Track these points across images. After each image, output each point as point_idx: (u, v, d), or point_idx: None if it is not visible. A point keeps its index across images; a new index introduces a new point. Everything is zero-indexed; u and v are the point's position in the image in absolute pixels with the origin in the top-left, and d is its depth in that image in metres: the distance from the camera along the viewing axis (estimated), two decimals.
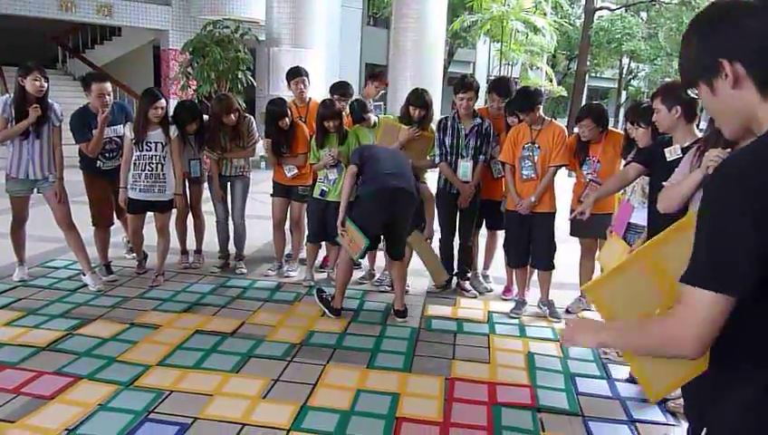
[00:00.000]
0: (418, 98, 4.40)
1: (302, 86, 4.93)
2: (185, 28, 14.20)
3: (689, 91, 1.20)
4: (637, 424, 2.79)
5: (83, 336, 3.47)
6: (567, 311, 4.21)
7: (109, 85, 4.32)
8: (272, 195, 4.82)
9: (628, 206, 3.46)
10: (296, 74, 4.95)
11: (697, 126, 2.98)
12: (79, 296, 4.13)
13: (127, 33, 15.59)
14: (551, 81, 19.86)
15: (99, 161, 4.35)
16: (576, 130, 4.06)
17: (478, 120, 4.34)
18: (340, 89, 4.82)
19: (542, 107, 4.09)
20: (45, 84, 4.07)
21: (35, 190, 4.26)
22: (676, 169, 2.70)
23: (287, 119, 4.49)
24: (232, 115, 4.52)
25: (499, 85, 4.61)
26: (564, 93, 20.76)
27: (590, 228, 3.89)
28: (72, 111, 4.33)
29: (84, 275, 4.34)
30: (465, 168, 4.30)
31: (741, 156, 1.06)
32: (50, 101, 4.15)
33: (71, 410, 2.69)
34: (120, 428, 2.56)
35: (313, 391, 2.97)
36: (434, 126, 4.47)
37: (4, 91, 9.59)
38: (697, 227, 1.06)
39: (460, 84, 4.31)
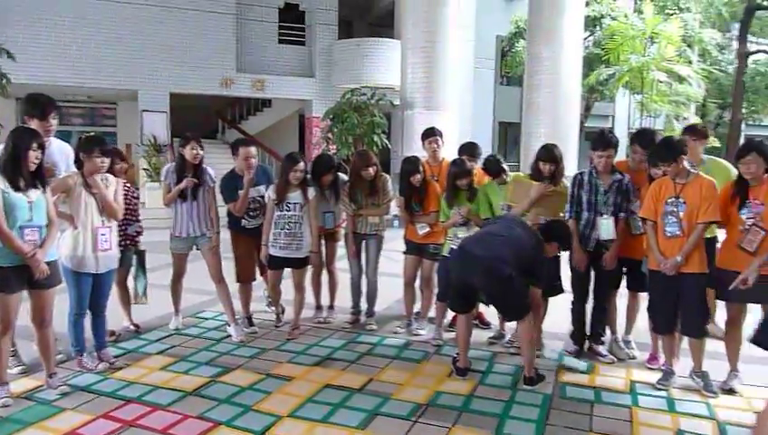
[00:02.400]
0: (548, 152, 4.31)
1: (436, 145, 5.06)
2: (327, 97, 15.32)
3: None
4: None
5: (225, 384, 3.71)
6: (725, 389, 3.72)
7: (253, 149, 4.75)
8: (404, 252, 4.90)
9: None
10: (430, 134, 5.10)
11: None
12: (223, 346, 4.44)
13: (276, 103, 17.12)
14: None
15: (244, 220, 4.75)
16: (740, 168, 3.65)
17: (618, 176, 4.14)
18: (469, 149, 4.85)
19: (686, 159, 3.80)
20: (201, 152, 4.56)
21: (195, 247, 4.71)
22: None
23: (419, 175, 4.60)
24: (370, 169, 4.72)
25: (642, 136, 4.38)
26: (717, 144, 19.13)
27: (743, 292, 3.47)
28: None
29: (229, 326, 4.68)
30: (606, 225, 4.08)
31: None
32: (204, 166, 4.64)
33: None
34: None
35: None
36: (566, 181, 4.32)
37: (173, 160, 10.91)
38: None
39: (599, 141, 4.16)
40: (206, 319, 5.13)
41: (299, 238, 4.58)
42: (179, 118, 14.66)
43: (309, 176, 4.74)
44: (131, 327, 4.69)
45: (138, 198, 4.80)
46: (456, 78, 12.07)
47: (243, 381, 3.76)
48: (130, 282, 4.78)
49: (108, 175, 3.91)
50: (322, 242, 5.00)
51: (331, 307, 5.20)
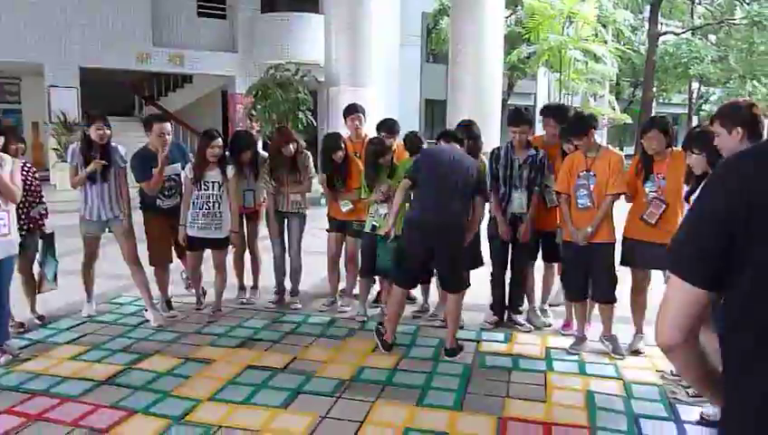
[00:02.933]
0: (464, 129, 4.36)
1: (358, 122, 5.02)
2: (250, 73, 14.88)
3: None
4: None
5: (141, 371, 3.57)
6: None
7: (168, 125, 4.53)
8: (327, 230, 4.87)
9: None
10: (352, 111, 5.06)
11: None
12: (140, 332, 4.27)
13: (198, 80, 16.48)
14: (613, 109, 19.34)
15: (158, 200, 4.54)
16: (643, 143, 3.84)
17: (533, 151, 4.26)
18: (388, 126, 4.86)
19: (596, 133, 3.96)
20: (108, 132, 4.30)
21: (107, 230, 4.48)
22: None
23: (340, 152, 4.56)
24: (290, 145, 4.64)
25: (554, 111, 4.53)
26: (629, 121, 20.16)
27: (644, 260, 3.69)
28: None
29: (146, 310, 4.50)
30: (519, 199, 4.20)
31: (743, 153, 1.09)
32: (114, 144, 4.40)
33: None
34: None
35: (361, 428, 2.91)
36: (484, 157, 4.40)
37: None
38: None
39: (514, 118, 4.26)
40: (122, 304, 4.92)
41: (218, 218, 4.44)
42: (92, 94, 13.82)
43: (227, 153, 4.60)
44: (36, 320, 4.41)
45: (38, 179, 4.47)
46: (381, 55, 12.01)
47: (160, 366, 3.63)
48: (36, 268, 4.48)
49: (2, 155, 3.63)
50: (243, 222, 4.89)
51: (254, 287, 5.10)
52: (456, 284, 3.90)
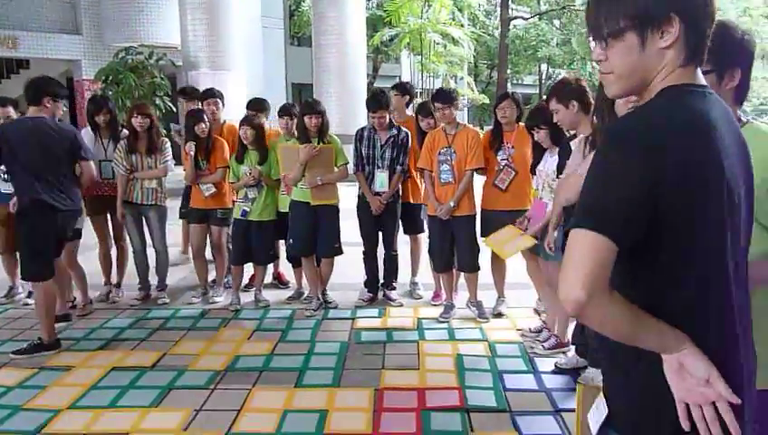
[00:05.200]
0: (311, 107, 4.28)
1: (214, 107, 4.83)
2: (99, 57, 13.74)
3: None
4: (562, 413, 2.83)
5: None
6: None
7: (11, 109, 4.38)
8: (188, 222, 4.67)
9: (541, 203, 3.56)
10: (208, 95, 4.88)
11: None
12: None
13: (36, 64, 14.90)
14: (472, 90, 20.38)
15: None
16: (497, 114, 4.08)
17: (394, 131, 4.37)
18: (256, 104, 4.76)
19: (457, 112, 4.18)
20: None
21: None
22: (568, 162, 2.78)
23: (203, 124, 4.40)
24: (141, 118, 4.38)
25: (398, 86, 4.88)
26: (487, 101, 21.36)
27: (501, 228, 3.96)
28: None
29: None
30: (381, 178, 4.31)
31: (634, 119, 1.09)
32: None
33: None
34: None
35: (238, 417, 2.86)
36: (335, 136, 4.42)
37: None
38: (584, 185, 1.07)
39: (371, 104, 4.35)
40: None
41: None
42: None
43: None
44: None
45: None
46: (241, 36, 11.63)
47: (9, 380, 3.29)
48: None
49: None
50: (108, 217, 4.60)
51: (117, 285, 4.78)
52: (474, 262, 4.17)
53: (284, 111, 4.48)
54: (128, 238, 4.68)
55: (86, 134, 4.55)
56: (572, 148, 3.11)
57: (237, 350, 3.68)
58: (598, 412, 1.18)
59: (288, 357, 3.57)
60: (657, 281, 1.06)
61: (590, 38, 1.14)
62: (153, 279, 4.74)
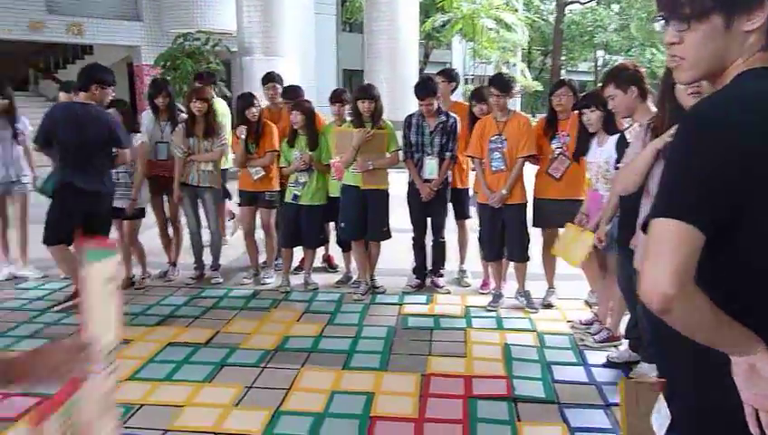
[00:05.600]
0: (364, 90, 4.33)
1: (273, 91, 4.93)
2: (158, 43, 14.14)
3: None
4: (612, 408, 2.78)
5: None
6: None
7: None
8: (239, 204, 4.79)
9: (596, 194, 3.47)
10: (269, 80, 4.97)
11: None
12: (48, 316, 4.05)
13: (99, 50, 15.48)
14: (525, 77, 19.99)
15: None
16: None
17: (443, 118, 4.34)
18: (291, 93, 4.84)
19: (510, 99, 4.11)
20: (3, 101, 4.56)
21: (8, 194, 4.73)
22: (627, 150, 2.70)
23: (254, 109, 4.48)
24: (199, 103, 4.50)
25: (443, 73, 4.84)
26: (540, 88, 20.91)
27: (553, 218, 3.89)
28: None
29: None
30: (431, 165, 4.29)
31: (715, 103, 1.02)
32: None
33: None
34: None
35: (287, 395, 2.93)
36: (389, 121, 4.43)
37: None
38: (665, 173, 1.01)
39: (421, 90, 4.31)
40: (28, 289, 4.64)
41: (128, 188, 4.42)
42: None
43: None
44: None
45: None
46: (294, 23, 11.75)
47: None
48: None
49: None
50: (165, 198, 4.77)
51: (173, 264, 4.95)
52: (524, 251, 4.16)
53: (336, 98, 4.51)
54: (183, 219, 4.84)
55: (146, 116, 4.72)
56: (628, 138, 3.02)
57: (287, 330, 3.76)
58: (660, 416, 1.14)
59: (336, 339, 3.63)
60: (732, 275, 1.01)
61: (662, 19, 1.07)
62: (207, 259, 4.89)
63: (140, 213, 4.54)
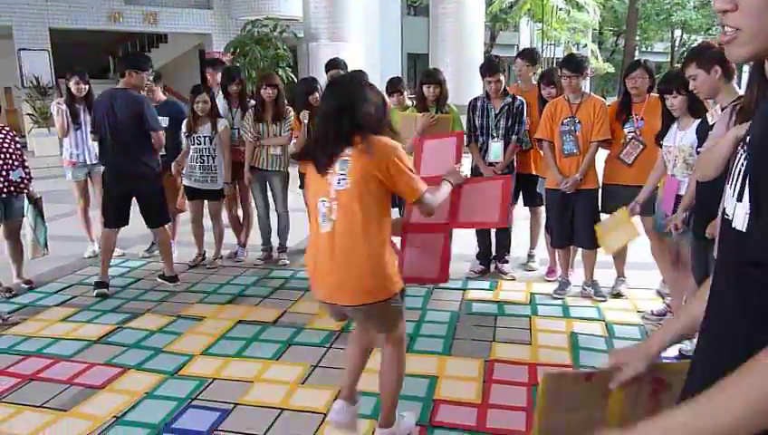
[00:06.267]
0: (430, 75, 4.31)
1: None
2: (227, 30, 14.51)
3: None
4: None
5: (132, 329, 3.61)
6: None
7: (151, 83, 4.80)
8: (299, 187, 4.85)
9: (673, 181, 3.30)
10: (333, 66, 5.01)
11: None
12: (129, 292, 4.29)
13: (173, 39, 16.05)
14: (596, 58, 19.25)
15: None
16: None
17: (509, 99, 4.25)
18: (334, 65, 4.90)
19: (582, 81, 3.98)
20: (85, 86, 4.95)
21: (89, 176, 5.07)
22: (711, 133, 2.55)
23: (317, 93, 4.53)
24: (269, 89, 4.60)
25: (524, 52, 4.66)
26: (612, 70, 20.10)
27: (624, 203, 3.75)
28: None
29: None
30: (496, 148, 4.22)
31: None
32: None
33: (119, 398, 2.79)
34: (165, 414, 2.64)
35: None
36: (453, 106, 4.38)
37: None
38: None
39: (486, 68, 4.23)
40: (110, 266, 4.90)
41: (213, 171, 4.66)
42: (64, 57, 13.39)
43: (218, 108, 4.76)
44: (23, 285, 4.39)
45: (19, 143, 4.39)
46: (359, 8, 11.77)
47: (152, 324, 3.67)
48: (29, 234, 4.42)
49: None
50: (236, 183, 4.91)
51: (243, 245, 5.12)
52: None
53: (393, 88, 4.54)
54: (253, 202, 4.99)
55: (220, 103, 4.85)
56: (709, 121, 2.86)
57: None
58: None
59: None
60: None
61: None
62: (275, 241, 5.02)
63: (220, 194, 4.75)
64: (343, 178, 2.09)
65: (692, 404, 0.77)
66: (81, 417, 2.64)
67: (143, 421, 2.59)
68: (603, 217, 3.93)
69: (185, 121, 4.65)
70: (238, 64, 11.25)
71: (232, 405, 2.71)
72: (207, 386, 2.90)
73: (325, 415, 2.61)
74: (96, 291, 4.15)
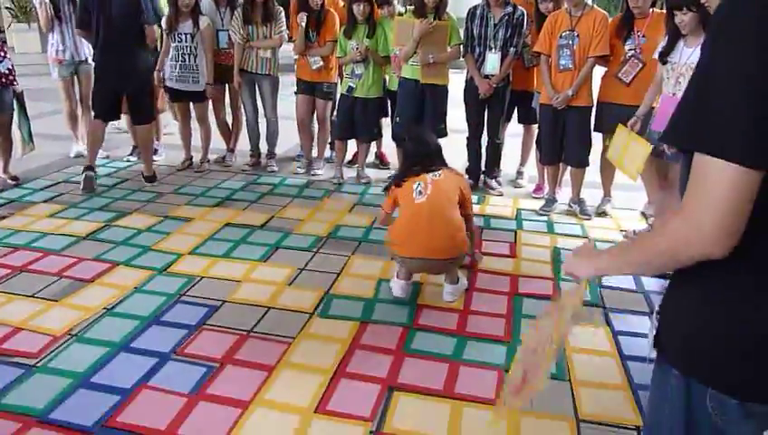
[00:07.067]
0: None
1: None
2: None
3: None
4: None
5: (120, 227, 3.62)
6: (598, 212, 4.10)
7: None
8: (295, 92, 4.76)
9: (672, 99, 3.25)
10: None
11: None
12: (116, 192, 4.28)
13: None
14: None
15: None
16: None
17: (509, 9, 4.09)
18: None
19: None
20: None
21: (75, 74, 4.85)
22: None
23: None
24: None
25: None
26: None
27: (618, 123, 3.72)
28: None
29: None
30: (492, 60, 4.11)
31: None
32: None
33: (109, 291, 2.84)
34: (154, 308, 2.71)
35: (337, 279, 3.05)
36: (453, 14, 4.23)
37: None
38: (711, 77, 0.84)
39: None
40: (98, 166, 4.84)
41: (194, 71, 4.51)
42: None
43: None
44: (9, 181, 4.34)
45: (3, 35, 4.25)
46: None
47: (140, 223, 3.68)
48: (15, 131, 4.33)
49: None
50: (226, 87, 4.82)
51: (231, 150, 5.07)
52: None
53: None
54: (242, 107, 4.89)
55: (205, 2, 4.64)
56: None
57: (339, 220, 3.85)
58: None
59: (385, 231, 3.69)
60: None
61: None
62: (264, 147, 4.97)
63: (201, 97, 4.62)
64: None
65: (623, 244, 1.11)
66: (71, 307, 2.70)
67: (133, 313, 2.66)
68: (596, 136, 3.91)
69: (164, 18, 4.45)
70: None
71: (220, 302, 2.78)
72: (196, 283, 2.96)
73: (311, 315, 2.69)
74: (84, 173, 4.21)
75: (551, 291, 2.99)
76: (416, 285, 2.98)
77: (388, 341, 2.50)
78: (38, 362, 2.29)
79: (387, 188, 3.03)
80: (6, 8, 12.25)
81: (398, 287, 2.86)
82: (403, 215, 2.87)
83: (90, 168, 4.24)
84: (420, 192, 2.78)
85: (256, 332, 2.54)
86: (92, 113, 4.32)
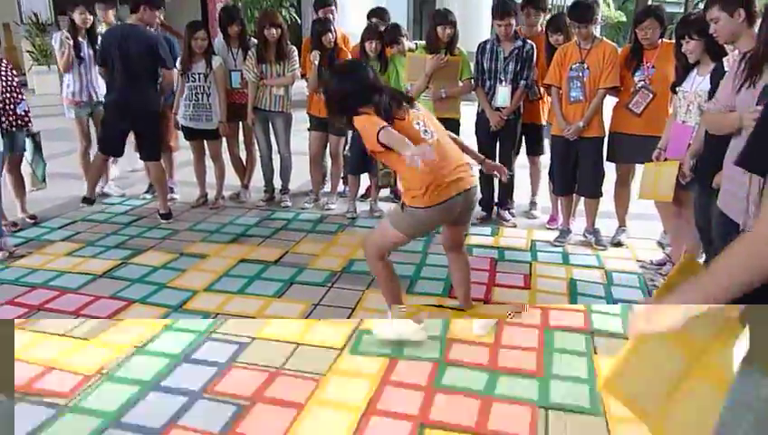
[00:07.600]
0: (443, 16, 4.20)
1: (330, 16, 4.82)
2: None
3: None
4: None
5: (136, 265, 3.65)
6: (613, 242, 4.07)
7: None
8: (308, 129, 4.82)
9: (685, 128, 3.25)
10: (323, 4, 4.85)
11: None
12: (133, 229, 4.32)
13: None
14: (608, 6, 18.71)
15: None
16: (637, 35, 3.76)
17: (519, 43, 4.15)
18: (378, 13, 4.75)
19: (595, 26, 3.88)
20: (90, 17, 4.62)
21: (90, 115, 4.85)
22: (722, 82, 2.50)
23: (330, 35, 4.43)
24: (273, 30, 4.50)
25: (530, 1, 4.45)
26: (623, 19, 19.57)
27: (629, 154, 3.73)
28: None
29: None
30: (503, 93, 4.15)
31: None
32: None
33: (135, 330, 2.82)
34: (185, 345, 2.68)
35: (352, 314, 3.04)
36: (463, 48, 4.29)
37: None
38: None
39: (497, 10, 4.12)
40: (113, 204, 4.93)
41: (207, 109, 4.59)
42: None
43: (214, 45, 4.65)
44: (28, 220, 4.41)
45: (17, 76, 4.33)
46: None
47: (155, 261, 3.71)
48: (26, 168, 4.41)
49: None
50: (239, 124, 4.88)
51: (245, 186, 5.12)
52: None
53: (393, 40, 4.41)
54: (256, 144, 4.95)
55: (218, 43, 4.74)
56: (726, 67, 2.80)
57: (352, 254, 3.85)
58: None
59: (400, 265, 3.64)
60: None
61: None
62: (277, 183, 5.02)
63: (215, 135, 4.68)
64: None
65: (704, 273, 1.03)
66: (102, 345, 2.68)
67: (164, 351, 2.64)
68: (609, 167, 3.91)
69: (179, 59, 4.56)
70: (240, 4, 10.97)
71: (249, 339, 2.76)
72: (219, 323, 2.95)
73: (295, 345, 2.66)
74: (83, 204, 4.46)
75: (583, 324, 2.92)
76: (445, 321, 2.95)
77: (419, 377, 2.46)
78: (69, 402, 2.28)
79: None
80: (27, 51, 12.59)
81: (415, 330, 2.68)
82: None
83: (87, 199, 4.49)
84: (426, 130, 2.58)
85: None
86: (100, 150, 4.48)
